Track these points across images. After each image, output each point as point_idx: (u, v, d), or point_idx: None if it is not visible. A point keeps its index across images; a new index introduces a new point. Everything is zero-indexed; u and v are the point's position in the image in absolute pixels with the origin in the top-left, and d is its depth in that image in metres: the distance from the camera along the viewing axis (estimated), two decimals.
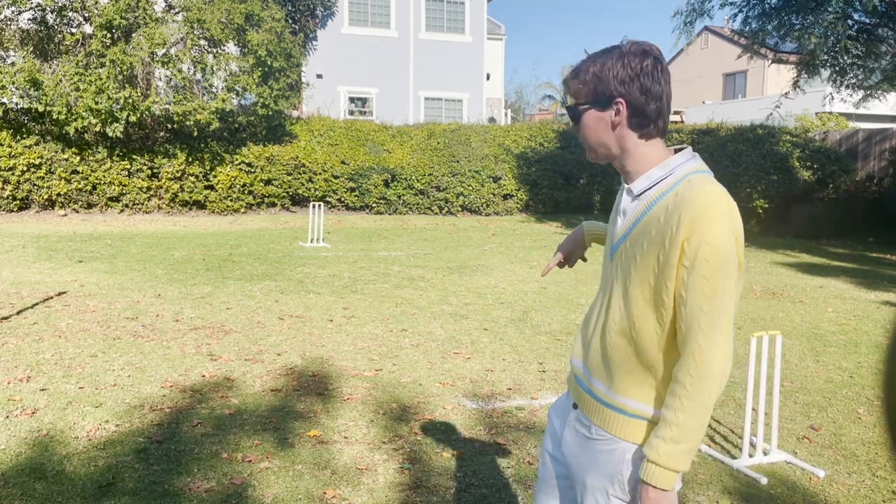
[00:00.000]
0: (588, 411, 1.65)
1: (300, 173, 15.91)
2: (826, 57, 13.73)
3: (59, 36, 14.64)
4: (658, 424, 1.51)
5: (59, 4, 13.97)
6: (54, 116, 13.49)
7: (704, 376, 1.44)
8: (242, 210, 15.68)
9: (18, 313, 6.34)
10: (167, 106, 14.28)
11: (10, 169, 13.73)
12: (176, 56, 14.31)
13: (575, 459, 1.67)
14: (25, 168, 13.84)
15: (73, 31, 14.47)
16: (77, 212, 14.49)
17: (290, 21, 20.38)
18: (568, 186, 17.83)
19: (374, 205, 16.51)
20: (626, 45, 1.54)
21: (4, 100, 13.55)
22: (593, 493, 1.61)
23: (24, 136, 14.00)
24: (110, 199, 14.66)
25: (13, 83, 13.25)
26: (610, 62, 1.53)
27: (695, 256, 1.43)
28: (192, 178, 15.11)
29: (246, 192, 15.65)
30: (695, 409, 1.45)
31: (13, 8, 14.03)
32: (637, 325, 1.53)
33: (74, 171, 14.24)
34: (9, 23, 14.40)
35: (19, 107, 13.92)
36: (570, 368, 1.79)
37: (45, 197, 14.09)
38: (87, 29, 14.36)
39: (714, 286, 1.43)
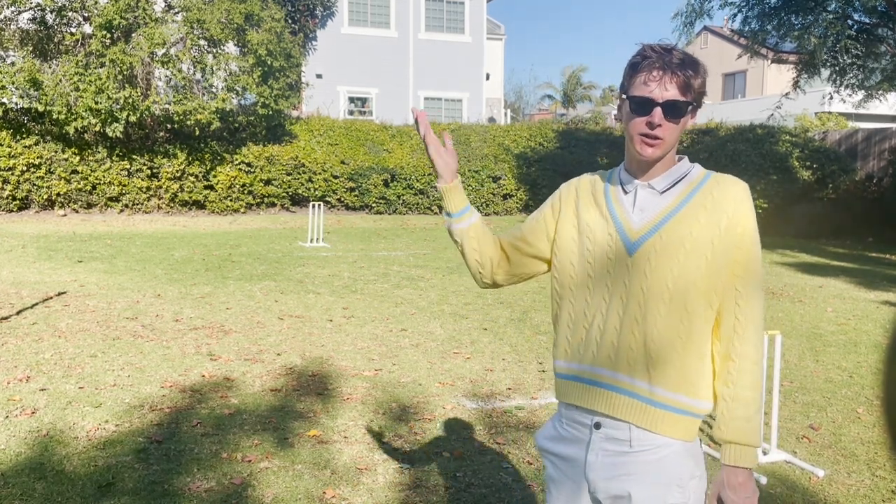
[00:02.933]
0: (628, 416, 1.55)
1: (300, 173, 15.91)
2: (826, 57, 13.72)
3: (59, 36, 14.64)
4: (728, 406, 1.54)
5: (59, 4, 13.97)
6: (54, 116, 13.49)
7: (761, 344, 1.57)
8: (242, 210, 15.68)
9: (18, 313, 6.34)
10: (167, 106, 14.29)
11: (10, 169, 13.73)
12: (176, 56, 14.31)
13: (611, 481, 1.57)
14: (25, 168, 13.84)
15: (73, 31, 14.47)
16: (77, 212, 14.49)
17: (290, 21, 20.38)
18: None
19: (373, 205, 16.51)
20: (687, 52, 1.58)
21: (4, 100, 13.56)
22: None
23: (24, 136, 14.00)
24: (110, 199, 14.66)
25: (13, 83, 13.25)
26: (703, 67, 1.57)
27: (747, 236, 1.56)
28: (191, 178, 15.11)
29: (246, 192, 15.65)
30: (759, 378, 1.55)
31: (13, 8, 14.04)
32: (690, 313, 1.53)
33: (74, 171, 14.24)
34: (9, 23, 14.40)
35: (19, 107, 13.92)
36: (571, 387, 1.64)
37: (45, 197, 14.09)
38: (87, 29, 14.36)
39: (758, 261, 1.58)
